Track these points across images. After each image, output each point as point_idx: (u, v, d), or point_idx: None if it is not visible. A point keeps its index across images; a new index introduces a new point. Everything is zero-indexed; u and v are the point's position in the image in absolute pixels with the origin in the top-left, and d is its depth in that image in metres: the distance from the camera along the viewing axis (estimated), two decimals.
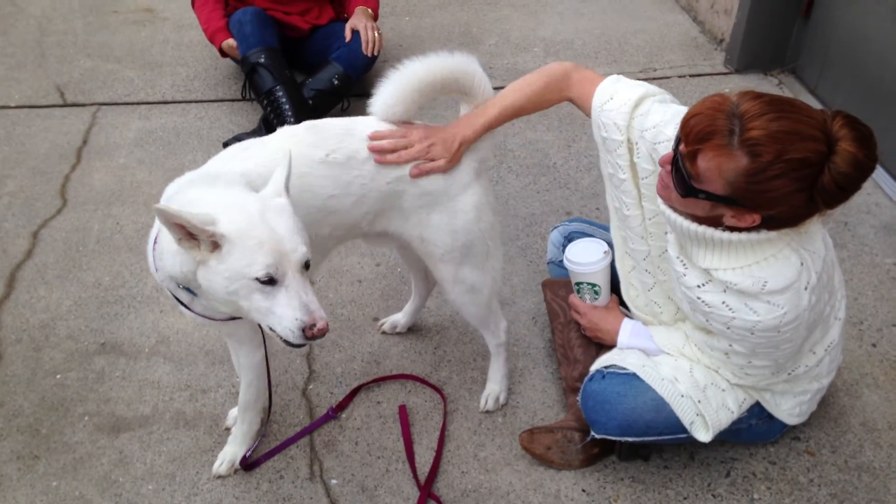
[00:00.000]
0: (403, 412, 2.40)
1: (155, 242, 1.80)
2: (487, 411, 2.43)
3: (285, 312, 1.61)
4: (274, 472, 2.25)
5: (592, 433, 2.12)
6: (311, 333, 1.61)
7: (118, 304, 2.80)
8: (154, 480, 2.23)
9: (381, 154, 1.97)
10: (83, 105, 3.91)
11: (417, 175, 2.00)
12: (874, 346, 2.62)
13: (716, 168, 1.61)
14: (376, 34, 3.71)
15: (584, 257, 2.22)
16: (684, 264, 1.88)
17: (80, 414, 2.41)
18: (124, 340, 2.66)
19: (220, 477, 2.23)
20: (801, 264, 1.74)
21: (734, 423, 2.06)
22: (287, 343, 1.66)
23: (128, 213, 3.21)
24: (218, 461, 2.24)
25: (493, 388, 2.44)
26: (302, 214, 1.93)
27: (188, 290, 1.77)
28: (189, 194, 1.71)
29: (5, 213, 3.20)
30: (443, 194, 2.05)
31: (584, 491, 2.21)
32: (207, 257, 1.59)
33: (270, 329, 1.66)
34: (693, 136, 1.62)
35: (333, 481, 2.24)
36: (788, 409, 2.12)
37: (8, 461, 2.28)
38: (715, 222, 1.75)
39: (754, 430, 2.17)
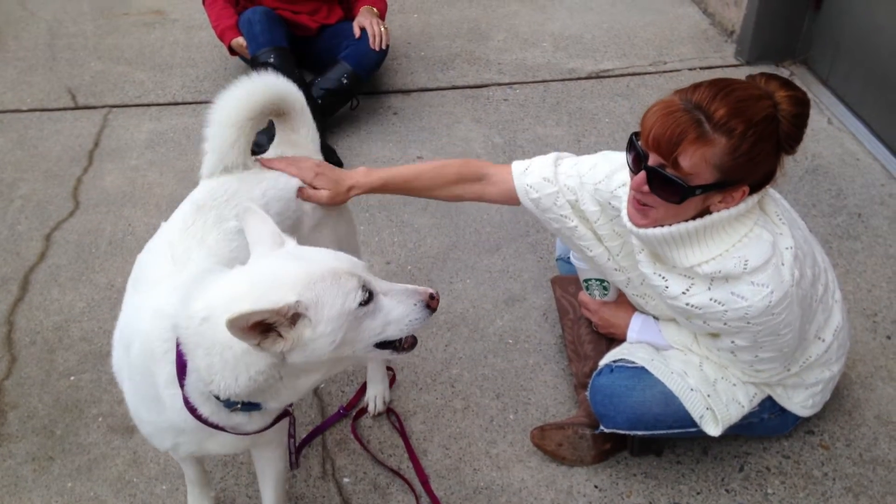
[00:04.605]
0: (399, 421, 2.39)
1: (182, 379, 1.49)
2: (379, 413, 2.40)
3: (403, 308, 1.51)
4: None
5: (601, 427, 2.12)
6: (434, 304, 1.54)
7: None
8: (168, 480, 2.25)
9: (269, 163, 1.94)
10: (94, 108, 3.93)
11: (301, 197, 1.95)
12: (889, 338, 2.60)
13: (700, 160, 1.65)
14: (382, 28, 3.71)
15: None
16: (663, 277, 1.89)
17: (94, 415, 2.43)
18: None
19: None
20: (773, 240, 1.79)
21: (746, 417, 2.05)
22: (409, 344, 1.60)
23: (139, 215, 3.22)
24: None
25: (378, 388, 2.42)
26: None
27: (244, 408, 1.51)
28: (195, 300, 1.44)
29: (18, 217, 3.23)
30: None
31: (596, 487, 2.21)
32: (295, 336, 1.40)
33: (387, 345, 1.55)
34: (665, 144, 1.65)
35: (346, 479, 2.25)
36: (800, 401, 2.11)
37: (23, 462, 2.30)
38: (701, 216, 1.78)
39: (767, 423, 2.16)
